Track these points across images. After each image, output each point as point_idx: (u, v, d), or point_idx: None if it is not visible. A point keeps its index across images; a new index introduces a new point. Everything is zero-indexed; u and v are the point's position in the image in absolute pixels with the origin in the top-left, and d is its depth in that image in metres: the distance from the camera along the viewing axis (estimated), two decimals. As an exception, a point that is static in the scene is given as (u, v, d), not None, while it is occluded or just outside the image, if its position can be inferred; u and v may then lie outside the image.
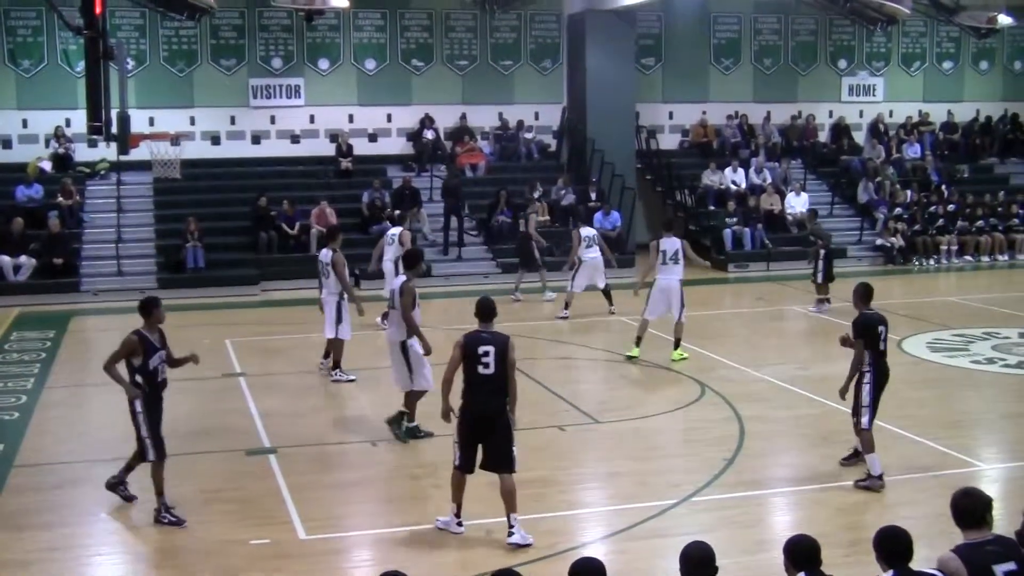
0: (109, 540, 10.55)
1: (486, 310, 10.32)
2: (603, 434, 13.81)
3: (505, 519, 9.92)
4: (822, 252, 22.15)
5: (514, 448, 10.02)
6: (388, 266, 20.08)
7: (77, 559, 10.02)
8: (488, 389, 10.00)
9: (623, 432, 13.82)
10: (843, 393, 11.60)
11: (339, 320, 16.44)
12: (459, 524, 10.21)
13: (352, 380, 16.33)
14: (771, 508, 11.47)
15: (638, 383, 16.71)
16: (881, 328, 11.52)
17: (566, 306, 21.44)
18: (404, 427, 13.20)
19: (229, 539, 10.20)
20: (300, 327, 20.78)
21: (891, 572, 6.11)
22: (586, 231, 21.97)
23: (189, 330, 20.89)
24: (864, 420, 11.48)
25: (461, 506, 10.23)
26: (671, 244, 17.61)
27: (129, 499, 11.15)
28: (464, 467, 10.13)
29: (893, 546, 6.21)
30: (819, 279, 22.07)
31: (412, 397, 13.22)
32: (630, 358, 17.57)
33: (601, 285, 21.76)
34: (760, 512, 11.22)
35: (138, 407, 10.78)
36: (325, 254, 16.71)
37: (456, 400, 10.14)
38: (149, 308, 11.24)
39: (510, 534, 9.83)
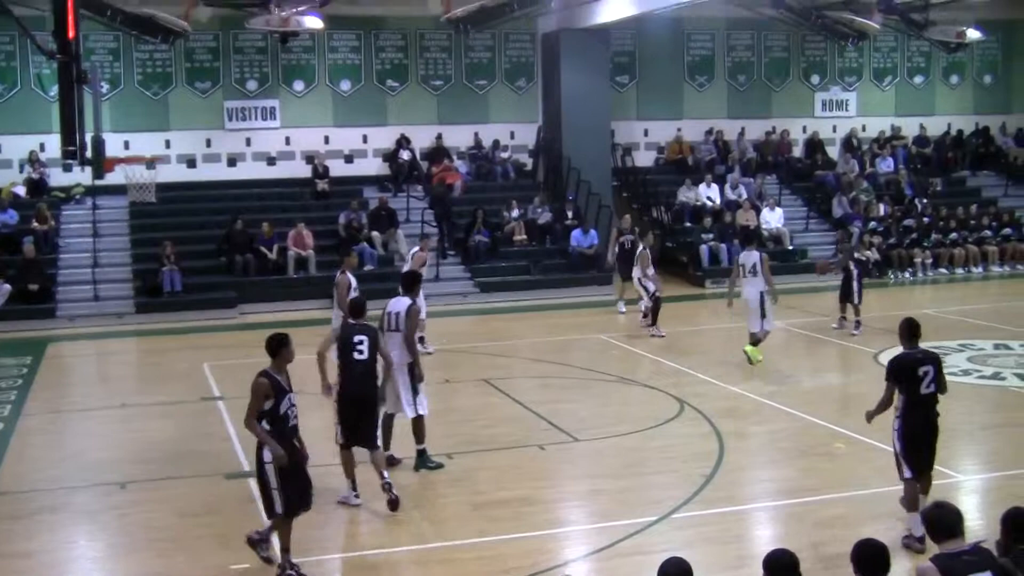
0: (88, 567, 10.50)
1: (358, 308, 11.98)
2: (582, 452, 13.82)
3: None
4: (855, 271, 21.06)
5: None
6: None
7: (56, 586, 9.97)
8: (361, 372, 11.48)
9: (603, 450, 13.84)
10: (868, 418, 10.61)
11: None
12: (356, 497, 11.49)
13: None
14: (751, 523, 11.50)
15: (616, 401, 16.73)
16: (925, 370, 10.04)
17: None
18: (428, 458, 12.86)
19: (209, 563, 10.17)
20: (278, 349, 20.74)
21: (869, 585, 6.15)
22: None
23: (167, 354, 20.91)
24: (902, 471, 10.15)
25: (355, 480, 11.51)
26: (749, 258, 18.29)
27: (269, 561, 9.93)
28: (348, 444, 11.57)
29: (871, 559, 6.26)
30: (856, 299, 20.93)
31: (420, 425, 12.72)
32: (757, 361, 18.10)
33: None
34: (740, 527, 11.25)
35: (266, 457, 9.59)
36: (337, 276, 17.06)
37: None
38: (277, 347, 10.06)
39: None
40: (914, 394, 10.01)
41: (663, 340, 20.78)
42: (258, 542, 10.08)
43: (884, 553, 6.30)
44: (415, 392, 12.53)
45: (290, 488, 9.68)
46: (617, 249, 24.39)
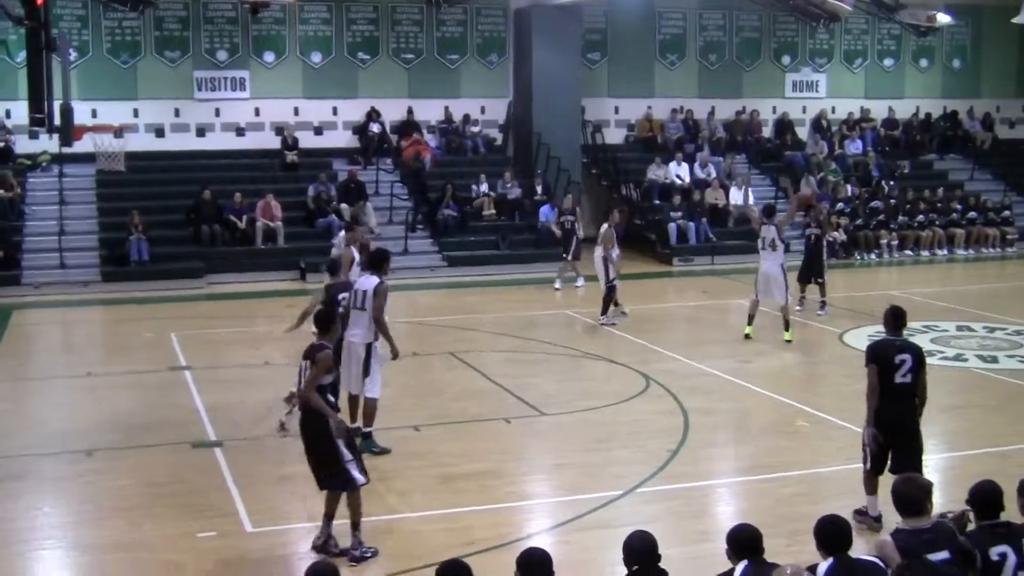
0: (53, 534, 10.48)
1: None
2: (549, 426, 13.89)
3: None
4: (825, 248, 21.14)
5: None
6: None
7: (21, 554, 9.95)
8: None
9: (569, 424, 13.92)
10: (868, 427, 9.93)
11: None
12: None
13: None
14: (714, 499, 11.61)
15: (583, 376, 16.81)
16: (902, 358, 9.75)
17: None
18: (374, 443, 12.44)
19: (176, 532, 10.18)
20: (246, 320, 20.74)
21: (831, 560, 6.24)
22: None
23: (134, 324, 20.82)
24: (864, 460, 9.98)
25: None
26: (768, 232, 18.35)
27: (343, 554, 9.50)
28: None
29: (832, 534, 6.35)
30: (823, 278, 20.73)
31: (371, 407, 12.46)
32: (746, 336, 18.45)
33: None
34: (704, 503, 11.36)
35: (334, 431, 9.39)
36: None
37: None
38: (329, 322, 10.03)
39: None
40: (888, 382, 9.72)
41: (629, 317, 20.83)
42: (325, 544, 9.58)
43: (846, 529, 6.39)
44: (366, 373, 12.29)
45: (358, 454, 9.62)
46: (559, 230, 24.87)
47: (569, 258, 24.31)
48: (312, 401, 9.36)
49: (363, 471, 9.52)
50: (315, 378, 9.38)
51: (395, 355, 12.52)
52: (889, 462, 9.83)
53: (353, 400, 12.63)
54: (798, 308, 20.19)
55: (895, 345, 9.88)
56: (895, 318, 10.07)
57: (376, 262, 12.73)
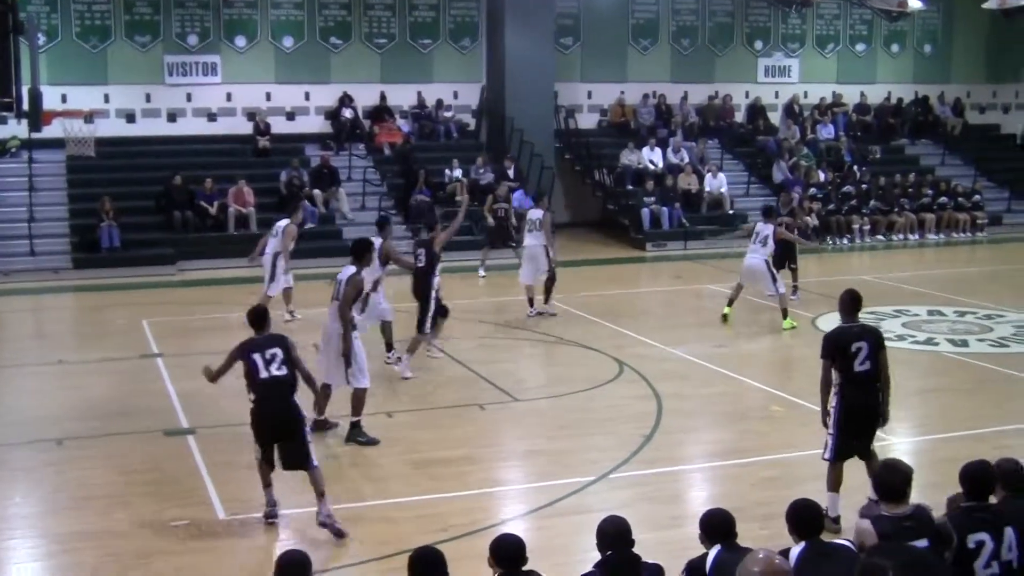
0: (24, 524, 10.42)
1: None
2: (522, 412, 13.90)
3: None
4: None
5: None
6: (267, 259, 19.10)
7: (-8, 542, 9.90)
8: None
9: (542, 410, 13.93)
10: (824, 422, 9.90)
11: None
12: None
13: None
14: (688, 484, 11.65)
15: (556, 361, 16.82)
16: (858, 346, 9.63)
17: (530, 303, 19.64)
18: (364, 434, 12.37)
19: (148, 520, 10.13)
20: (218, 307, 20.63)
21: (803, 543, 6.26)
22: (532, 213, 19.85)
23: (105, 311, 20.71)
24: (825, 450, 9.83)
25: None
26: (765, 229, 18.79)
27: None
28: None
29: (805, 518, 6.37)
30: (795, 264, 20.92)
31: (359, 396, 12.34)
32: (724, 317, 18.87)
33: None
34: (677, 488, 11.39)
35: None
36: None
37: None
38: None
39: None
40: (848, 371, 9.61)
41: (603, 302, 20.85)
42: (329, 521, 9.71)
43: (818, 513, 6.43)
44: (348, 363, 12.10)
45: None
46: (492, 218, 24.94)
47: (512, 244, 24.28)
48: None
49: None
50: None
51: (345, 351, 11.98)
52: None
53: (324, 391, 12.43)
54: (793, 297, 20.06)
55: (852, 332, 9.75)
56: (852, 302, 9.94)
57: (357, 252, 12.54)
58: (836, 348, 9.67)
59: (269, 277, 18.97)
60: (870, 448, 9.91)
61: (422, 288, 15.62)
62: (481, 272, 24.10)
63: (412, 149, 29.00)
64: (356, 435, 12.31)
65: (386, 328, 16.07)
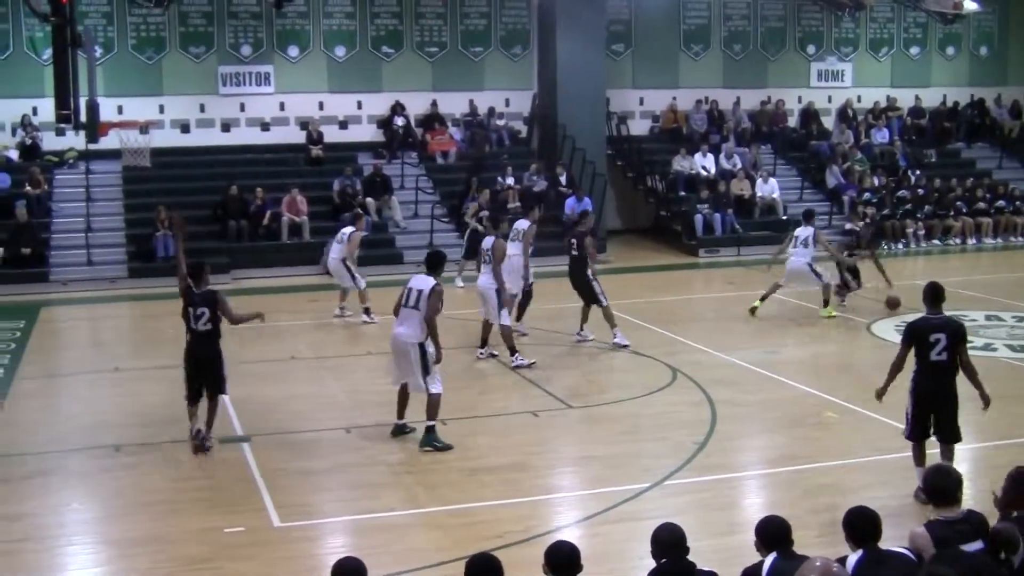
0: (81, 530, 10.52)
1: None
2: (575, 419, 13.87)
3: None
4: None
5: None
6: (334, 264, 20.18)
7: (49, 549, 9.99)
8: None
9: (595, 417, 13.89)
10: (878, 395, 10.72)
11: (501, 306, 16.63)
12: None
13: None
14: (742, 491, 11.56)
15: (610, 368, 16.77)
16: (936, 336, 10.16)
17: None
18: (440, 439, 12.40)
19: (203, 527, 10.20)
20: (272, 315, 20.73)
21: (860, 551, 6.20)
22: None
23: (160, 319, 20.85)
24: (905, 428, 10.60)
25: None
26: (804, 232, 19.57)
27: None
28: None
29: (862, 526, 6.31)
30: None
31: (431, 403, 12.38)
32: (752, 311, 19.66)
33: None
34: (732, 495, 11.30)
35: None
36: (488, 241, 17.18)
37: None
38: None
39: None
40: (924, 359, 10.17)
41: (656, 308, 20.78)
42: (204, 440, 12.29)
43: (875, 520, 6.35)
44: (425, 371, 12.28)
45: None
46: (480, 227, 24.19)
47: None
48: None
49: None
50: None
51: (438, 359, 12.43)
52: (932, 429, 10.41)
53: (402, 393, 12.73)
54: (842, 303, 20.33)
55: (930, 323, 10.28)
56: (934, 294, 10.44)
57: (433, 263, 12.81)
58: (916, 335, 10.24)
59: (351, 276, 20.04)
60: (952, 434, 10.48)
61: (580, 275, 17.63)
62: (459, 283, 23.28)
63: (485, 157, 29.07)
64: (432, 440, 12.33)
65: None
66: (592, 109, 29.71)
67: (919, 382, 10.31)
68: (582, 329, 18.16)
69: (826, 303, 19.49)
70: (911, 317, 11.05)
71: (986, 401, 10.46)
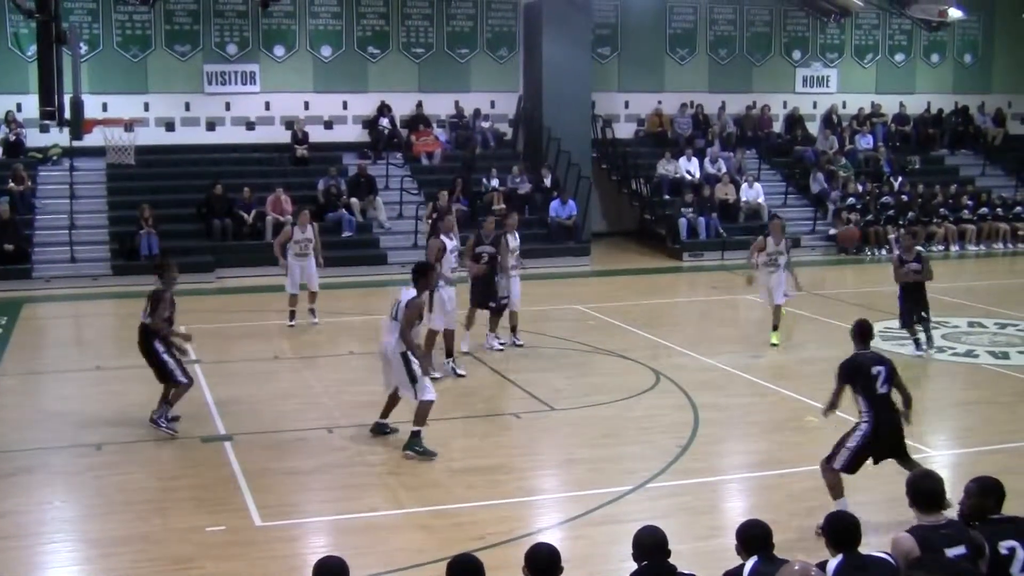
0: (63, 528, 10.49)
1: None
2: (558, 421, 13.88)
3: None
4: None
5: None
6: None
7: (30, 547, 9.96)
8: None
9: (578, 419, 13.90)
10: (826, 413, 10.39)
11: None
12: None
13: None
14: (724, 494, 11.59)
15: (593, 371, 16.78)
16: (878, 369, 9.85)
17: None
18: (422, 445, 12.14)
19: (185, 526, 10.18)
20: (256, 315, 20.76)
21: (840, 556, 6.23)
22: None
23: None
24: (837, 460, 9.93)
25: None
26: (775, 246, 18.03)
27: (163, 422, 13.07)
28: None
29: (841, 530, 6.34)
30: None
31: (423, 409, 12.16)
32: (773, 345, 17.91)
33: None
34: (714, 498, 11.34)
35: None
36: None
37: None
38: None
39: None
40: (871, 394, 9.83)
41: (640, 312, 20.81)
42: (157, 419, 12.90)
43: (855, 525, 6.38)
44: (412, 380, 12.09)
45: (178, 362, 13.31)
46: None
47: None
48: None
49: (184, 373, 13.26)
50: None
51: (424, 370, 12.24)
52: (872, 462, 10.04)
53: (392, 396, 12.67)
54: (922, 352, 17.30)
55: (868, 358, 9.99)
56: (864, 332, 10.23)
57: (415, 275, 12.61)
58: (857, 372, 9.88)
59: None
60: (906, 454, 10.11)
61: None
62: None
63: (475, 158, 29.06)
64: (415, 444, 12.15)
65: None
66: (577, 112, 29.76)
67: (876, 420, 9.81)
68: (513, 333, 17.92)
69: (776, 327, 17.97)
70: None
71: (908, 420, 10.14)
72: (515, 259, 17.68)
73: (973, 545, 6.38)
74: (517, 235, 17.95)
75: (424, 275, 12.65)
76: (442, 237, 16.11)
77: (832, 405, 10.21)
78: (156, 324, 13.08)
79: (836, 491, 9.90)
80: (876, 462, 10.05)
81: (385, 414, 12.84)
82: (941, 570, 6.04)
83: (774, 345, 17.81)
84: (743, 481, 11.95)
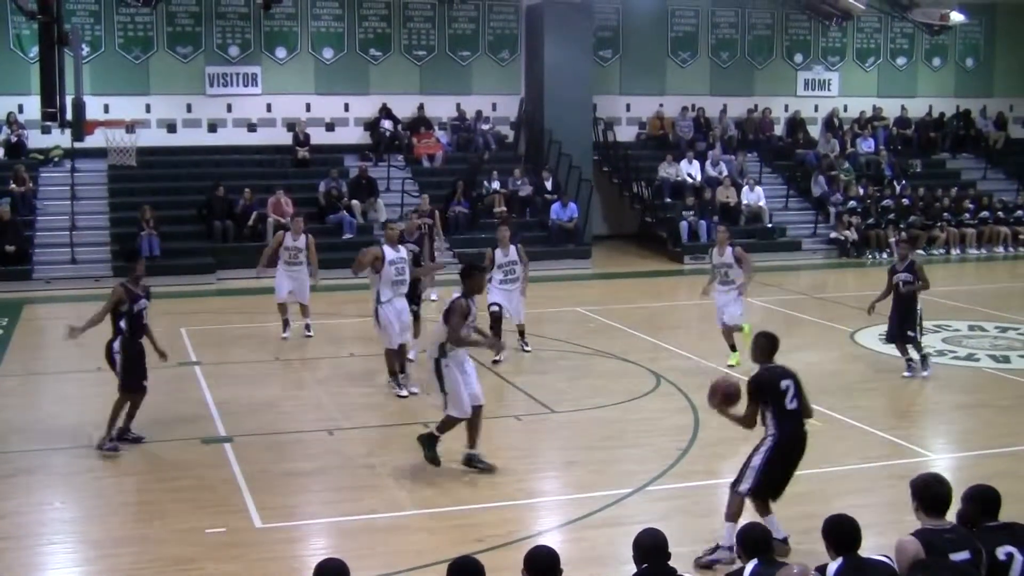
0: (63, 529, 10.48)
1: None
2: (559, 424, 13.88)
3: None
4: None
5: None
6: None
7: (30, 548, 9.96)
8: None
9: (579, 422, 13.90)
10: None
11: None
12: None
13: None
14: (724, 497, 11.51)
15: (594, 374, 16.77)
16: (786, 383, 9.47)
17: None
18: (433, 450, 11.64)
19: (185, 528, 10.18)
20: (256, 316, 20.75)
21: (840, 559, 6.22)
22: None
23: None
24: (743, 483, 9.52)
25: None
26: (719, 258, 17.04)
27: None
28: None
29: (841, 534, 6.33)
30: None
31: (446, 420, 11.60)
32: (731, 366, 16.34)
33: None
34: (714, 501, 11.28)
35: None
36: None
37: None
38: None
39: None
40: (781, 410, 9.43)
41: (641, 314, 20.80)
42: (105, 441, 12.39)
43: (855, 528, 6.38)
44: (443, 389, 11.47)
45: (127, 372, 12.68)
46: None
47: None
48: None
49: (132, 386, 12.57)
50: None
51: (494, 348, 13.18)
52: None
53: (471, 426, 11.81)
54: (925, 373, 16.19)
55: (775, 373, 9.58)
56: (772, 346, 9.80)
57: (461, 276, 11.91)
58: (768, 388, 9.46)
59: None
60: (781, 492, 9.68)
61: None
62: (433, 296, 21.55)
63: (481, 162, 29.06)
64: (427, 444, 11.66)
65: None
66: (579, 115, 29.79)
67: (782, 436, 9.41)
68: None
69: (733, 348, 16.64)
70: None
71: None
72: (503, 273, 17.14)
73: (976, 550, 6.37)
74: (515, 249, 17.30)
75: (469, 276, 11.85)
76: (385, 247, 15.04)
77: (743, 421, 9.64)
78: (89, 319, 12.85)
79: (732, 514, 9.46)
80: (785, 482, 9.62)
81: (471, 442, 11.85)
82: (945, 573, 6.04)
83: (731, 366, 16.16)
84: (743, 484, 11.92)
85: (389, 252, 14.96)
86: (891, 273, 16.35)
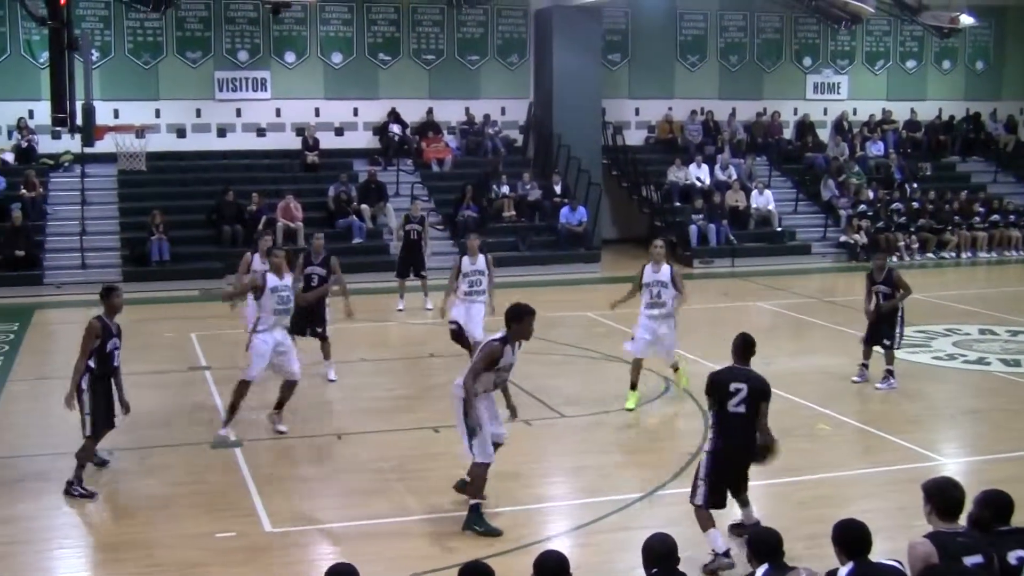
0: (72, 533, 10.52)
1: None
2: (568, 428, 13.87)
3: None
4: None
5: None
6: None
7: (39, 552, 9.98)
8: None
9: (588, 426, 13.89)
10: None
11: None
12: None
13: None
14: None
15: (603, 378, 16.74)
16: (737, 386, 9.36)
17: None
18: (483, 523, 10.21)
19: (194, 532, 10.19)
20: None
21: (850, 564, 6.21)
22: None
23: (153, 324, 20.87)
24: (696, 496, 9.39)
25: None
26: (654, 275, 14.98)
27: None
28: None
29: (852, 538, 6.32)
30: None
31: (473, 472, 10.38)
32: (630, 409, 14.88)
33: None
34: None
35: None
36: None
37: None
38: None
39: None
40: (722, 410, 9.34)
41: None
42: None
43: (865, 532, 6.37)
44: (469, 433, 10.21)
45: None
46: (402, 239, 22.30)
47: (423, 273, 21.92)
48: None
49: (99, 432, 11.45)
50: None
51: (471, 426, 10.22)
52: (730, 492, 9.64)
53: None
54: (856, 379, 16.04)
55: (733, 374, 9.55)
56: (745, 347, 9.80)
57: (507, 318, 10.35)
58: (718, 385, 9.47)
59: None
60: (744, 487, 9.72)
61: None
62: (400, 306, 21.77)
63: (495, 169, 29.12)
64: (474, 522, 10.22)
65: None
66: (588, 119, 29.77)
67: (717, 439, 9.36)
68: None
69: (676, 367, 15.49)
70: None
71: (762, 457, 9.58)
72: (467, 284, 16.28)
73: (989, 555, 6.35)
74: (483, 259, 16.42)
75: (518, 320, 10.19)
76: (268, 274, 13.40)
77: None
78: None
79: (706, 521, 9.38)
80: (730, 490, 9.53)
81: (474, 490, 10.45)
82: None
83: (629, 409, 14.64)
84: (753, 488, 11.81)
85: (272, 280, 13.27)
86: (869, 282, 16.00)
